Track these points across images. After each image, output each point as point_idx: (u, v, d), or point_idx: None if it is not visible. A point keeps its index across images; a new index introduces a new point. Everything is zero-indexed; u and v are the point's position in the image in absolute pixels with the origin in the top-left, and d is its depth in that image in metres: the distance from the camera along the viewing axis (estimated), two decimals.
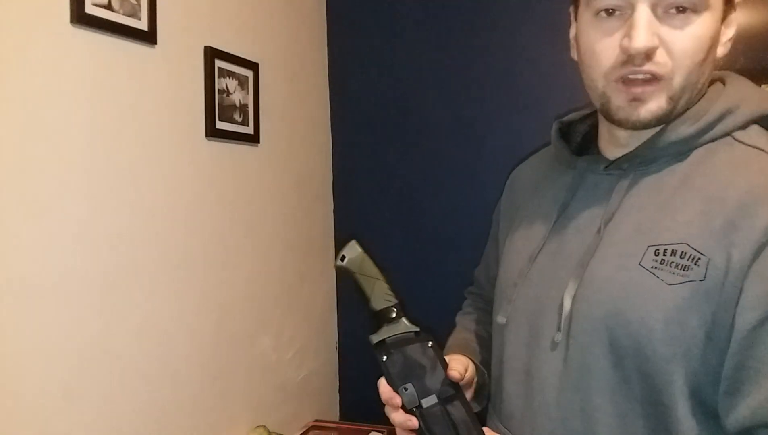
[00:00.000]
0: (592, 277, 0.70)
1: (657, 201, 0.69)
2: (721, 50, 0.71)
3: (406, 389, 0.71)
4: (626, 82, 0.67)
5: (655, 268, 0.65)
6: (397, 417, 0.72)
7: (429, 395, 0.70)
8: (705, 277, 0.62)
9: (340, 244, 2.10)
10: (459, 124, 1.82)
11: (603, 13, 0.68)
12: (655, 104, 0.67)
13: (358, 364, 1.96)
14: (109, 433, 1.16)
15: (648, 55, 0.65)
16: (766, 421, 0.60)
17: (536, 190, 0.86)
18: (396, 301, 0.76)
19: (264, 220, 1.64)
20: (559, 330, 0.71)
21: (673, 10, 0.65)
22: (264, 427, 1.55)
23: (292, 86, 1.78)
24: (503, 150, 1.75)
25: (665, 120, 0.69)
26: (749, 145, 0.68)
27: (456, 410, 0.69)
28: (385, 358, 0.73)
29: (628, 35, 0.65)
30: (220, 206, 1.47)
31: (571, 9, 0.77)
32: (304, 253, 1.83)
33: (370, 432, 1.67)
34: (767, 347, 0.60)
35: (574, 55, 0.77)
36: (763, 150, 0.67)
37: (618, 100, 0.69)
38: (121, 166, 1.20)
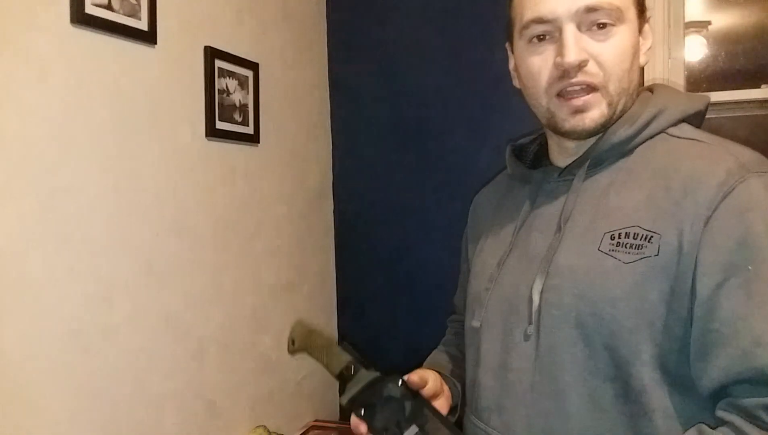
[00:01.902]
0: (557, 269, 0.76)
1: (608, 194, 0.76)
2: (643, 59, 0.80)
3: (386, 430, 0.72)
4: (566, 96, 0.75)
5: (612, 250, 0.72)
6: None
7: (409, 428, 0.72)
8: (659, 253, 0.69)
9: (340, 242, 2.10)
10: (459, 124, 1.82)
11: (535, 40, 0.77)
12: (597, 112, 0.75)
13: None
14: (108, 432, 1.16)
15: (580, 66, 0.73)
16: (739, 378, 0.64)
17: (497, 208, 0.94)
18: (349, 358, 0.78)
19: (264, 220, 1.64)
20: (530, 323, 0.76)
21: (596, 27, 0.74)
22: (264, 427, 1.55)
23: (292, 86, 1.79)
24: (504, 149, 1.75)
25: (607, 125, 0.77)
26: (683, 138, 0.76)
27: (439, 431, 0.72)
28: (362, 411, 0.74)
29: (560, 53, 0.73)
30: (220, 206, 1.47)
31: (507, 45, 0.86)
32: (304, 253, 1.83)
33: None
34: (727, 310, 0.65)
35: (516, 83, 0.86)
36: (696, 139, 0.75)
37: (562, 114, 0.77)
38: (121, 166, 1.20)
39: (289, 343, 0.83)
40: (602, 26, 0.73)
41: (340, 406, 2.04)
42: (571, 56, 0.72)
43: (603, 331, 0.70)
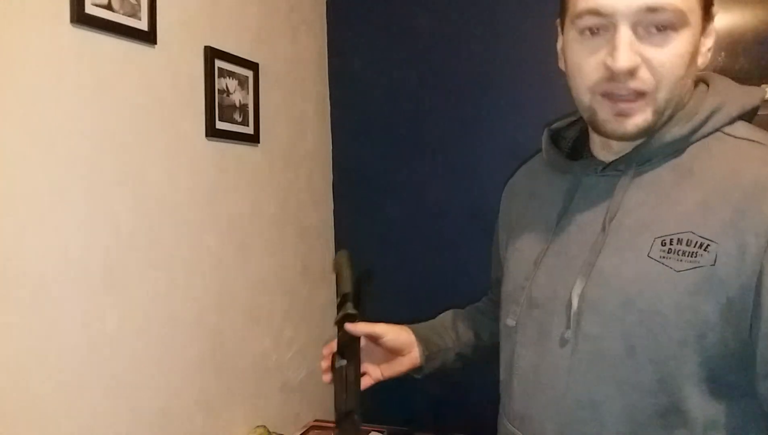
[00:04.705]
0: (601, 273, 0.72)
1: (658, 195, 0.72)
2: (701, 60, 0.74)
3: (340, 354, 0.93)
4: (611, 97, 0.70)
5: (663, 257, 0.68)
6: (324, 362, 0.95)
7: (341, 360, 0.91)
8: (715, 263, 0.65)
9: (340, 243, 2.10)
10: (459, 124, 1.82)
11: (587, 32, 0.70)
12: (641, 118, 0.70)
13: None
14: (108, 433, 1.16)
15: (631, 73, 0.68)
16: None
17: (532, 196, 0.89)
18: (347, 291, 0.97)
19: (264, 219, 1.64)
20: (568, 328, 0.73)
21: (654, 29, 0.67)
22: (264, 427, 1.55)
23: (292, 86, 1.78)
24: (503, 149, 1.75)
25: (651, 131, 0.72)
26: (740, 138, 0.71)
27: (350, 371, 0.90)
28: (339, 333, 0.95)
29: (611, 54, 0.68)
30: (219, 206, 1.47)
31: (558, 22, 0.79)
32: (303, 253, 1.83)
33: (370, 432, 1.67)
34: None
35: (561, 65, 0.80)
36: (755, 141, 0.71)
37: (603, 114, 0.72)
38: (120, 166, 1.20)
39: (332, 264, 1.05)
40: (662, 29, 0.67)
41: None
42: (622, 61, 0.67)
43: (650, 343, 0.67)
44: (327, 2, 1.97)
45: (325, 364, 0.95)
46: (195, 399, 1.38)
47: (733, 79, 0.79)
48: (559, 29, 0.79)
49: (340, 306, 0.96)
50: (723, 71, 1.58)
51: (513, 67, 1.75)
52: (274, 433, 1.56)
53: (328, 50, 1.97)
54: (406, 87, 1.88)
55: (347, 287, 0.97)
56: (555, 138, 0.88)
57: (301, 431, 1.72)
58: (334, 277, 1.02)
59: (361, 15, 1.94)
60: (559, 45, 0.80)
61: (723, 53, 1.57)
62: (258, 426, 1.55)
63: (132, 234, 1.22)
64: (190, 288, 1.37)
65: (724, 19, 1.57)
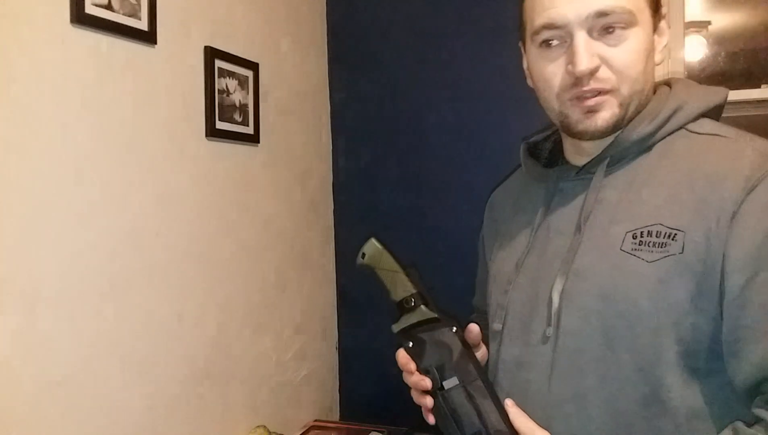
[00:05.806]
0: (578, 270, 0.75)
1: (628, 193, 0.76)
2: (659, 57, 0.79)
3: (427, 372, 0.73)
4: (579, 99, 0.75)
5: (635, 249, 0.71)
6: (413, 378, 0.76)
7: (450, 377, 0.72)
8: (683, 250, 0.68)
9: (340, 242, 2.10)
10: (459, 124, 1.82)
11: (546, 45, 0.76)
12: (608, 112, 0.75)
13: (358, 364, 1.96)
14: (109, 432, 1.16)
15: (592, 74, 0.73)
16: None
17: (514, 207, 0.93)
18: (414, 291, 0.79)
19: (264, 219, 1.64)
20: (549, 325, 0.76)
21: (607, 31, 0.73)
22: (264, 427, 1.55)
23: (292, 86, 1.79)
24: (503, 150, 1.75)
25: (619, 125, 0.77)
26: (703, 133, 0.76)
27: (478, 392, 0.71)
28: (410, 344, 0.76)
29: (571, 61, 0.73)
30: (220, 206, 1.47)
31: (520, 44, 0.86)
32: (304, 253, 1.83)
33: (370, 432, 1.67)
34: (758, 305, 0.65)
35: (530, 83, 0.85)
36: (717, 134, 0.75)
37: (574, 115, 0.76)
38: (121, 166, 1.20)
39: (359, 255, 0.84)
40: (613, 30, 0.73)
41: (341, 405, 2.05)
42: (582, 65, 0.72)
43: (627, 334, 0.70)
44: (327, 2, 1.97)
45: (426, 401, 0.74)
46: (195, 399, 1.38)
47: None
48: (522, 50, 0.85)
49: (407, 310, 0.78)
50: (723, 71, 1.59)
51: (516, 69, 1.75)
52: (274, 433, 1.56)
53: (328, 50, 1.97)
54: (406, 86, 1.88)
55: (406, 285, 0.79)
56: (533, 151, 0.92)
57: (301, 431, 1.72)
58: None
59: (362, 14, 1.94)
60: (524, 65, 0.85)
61: (723, 53, 1.57)
62: (258, 426, 1.55)
63: (132, 234, 1.22)
64: (189, 288, 1.37)
65: (724, 19, 1.57)
